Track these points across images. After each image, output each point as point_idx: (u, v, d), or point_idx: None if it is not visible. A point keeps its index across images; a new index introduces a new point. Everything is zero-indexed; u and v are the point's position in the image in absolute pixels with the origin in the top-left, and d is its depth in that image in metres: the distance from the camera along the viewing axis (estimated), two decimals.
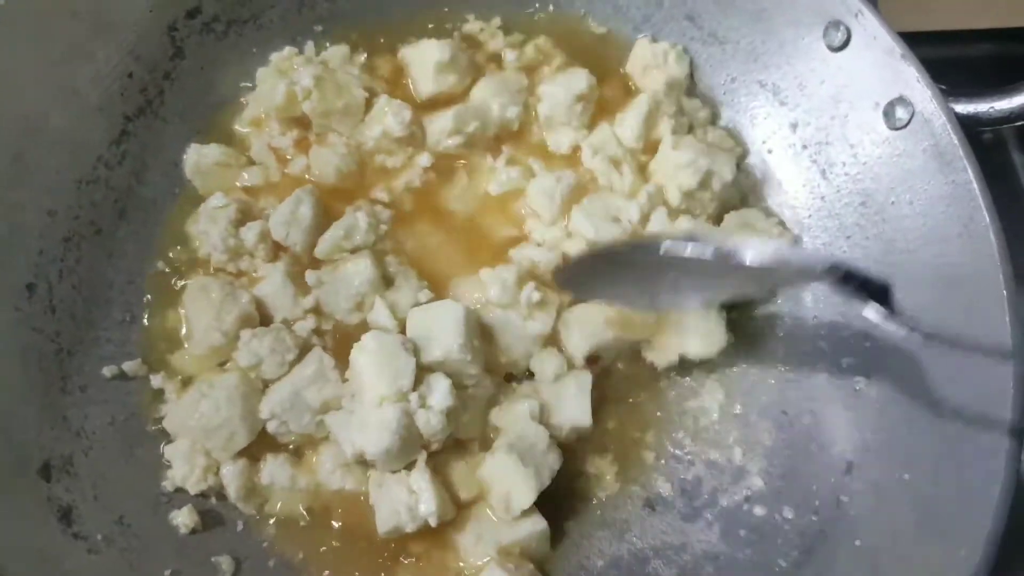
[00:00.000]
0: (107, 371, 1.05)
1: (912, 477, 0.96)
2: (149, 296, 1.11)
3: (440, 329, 1.02)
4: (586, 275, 1.06)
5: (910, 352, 1.02)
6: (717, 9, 1.20)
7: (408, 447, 0.97)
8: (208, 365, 1.07)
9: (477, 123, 1.18)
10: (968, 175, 0.98)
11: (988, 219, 0.96)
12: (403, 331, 1.04)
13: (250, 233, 1.08)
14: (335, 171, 1.15)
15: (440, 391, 0.99)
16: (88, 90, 1.09)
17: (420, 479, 0.98)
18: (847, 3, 1.07)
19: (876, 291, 0.84)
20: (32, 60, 1.04)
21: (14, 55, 1.02)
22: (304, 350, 1.06)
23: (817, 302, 1.14)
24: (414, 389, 0.98)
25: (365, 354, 1.00)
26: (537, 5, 1.29)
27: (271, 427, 1.02)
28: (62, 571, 0.91)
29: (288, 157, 1.17)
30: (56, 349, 1.03)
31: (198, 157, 1.14)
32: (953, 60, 1.18)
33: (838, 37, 1.09)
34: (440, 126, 1.19)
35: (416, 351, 1.00)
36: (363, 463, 1.01)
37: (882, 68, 1.05)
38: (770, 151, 1.21)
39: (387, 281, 1.10)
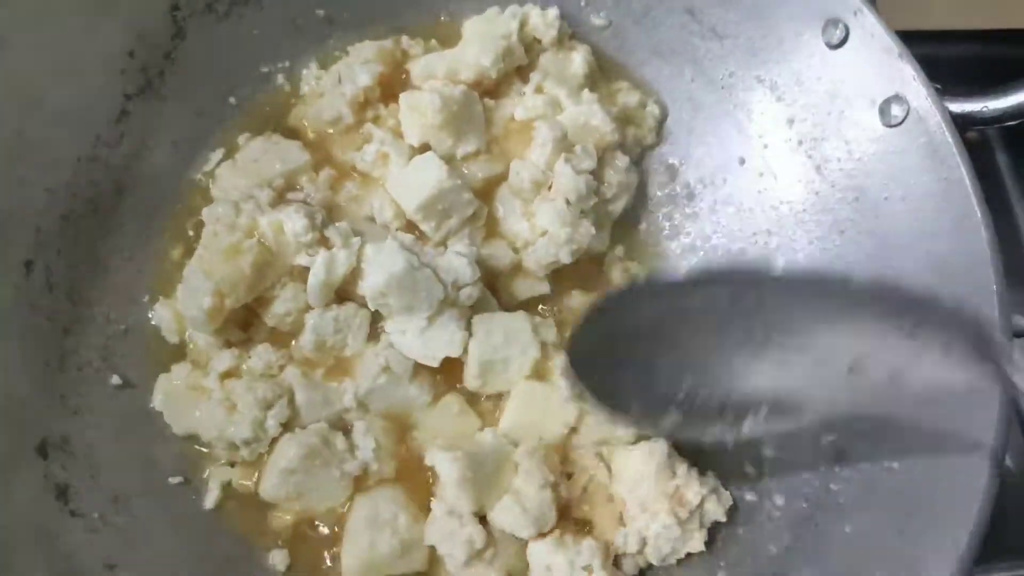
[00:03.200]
0: (102, 352, 1.06)
1: (901, 467, 0.98)
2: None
3: None
4: (598, 354, 0.87)
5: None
6: (717, 4, 1.21)
7: None
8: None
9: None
10: (961, 172, 1.00)
11: (980, 215, 0.98)
12: None
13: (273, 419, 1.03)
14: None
15: None
16: (89, 68, 1.08)
17: None
18: (846, 1, 1.08)
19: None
20: (34, 36, 1.02)
21: (15, 31, 1.01)
22: None
23: None
24: None
25: None
26: None
27: None
28: (61, 548, 0.91)
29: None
30: (53, 327, 1.02)
31: (167, 385, 1.06)
32: (946, 59, 1.20)
33: (836, 35, 1.11)
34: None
35: None
36: None
37: (879, 66, 1.07)
38: (766, 146, 1.22)
39: None
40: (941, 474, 0.94)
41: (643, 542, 1.03)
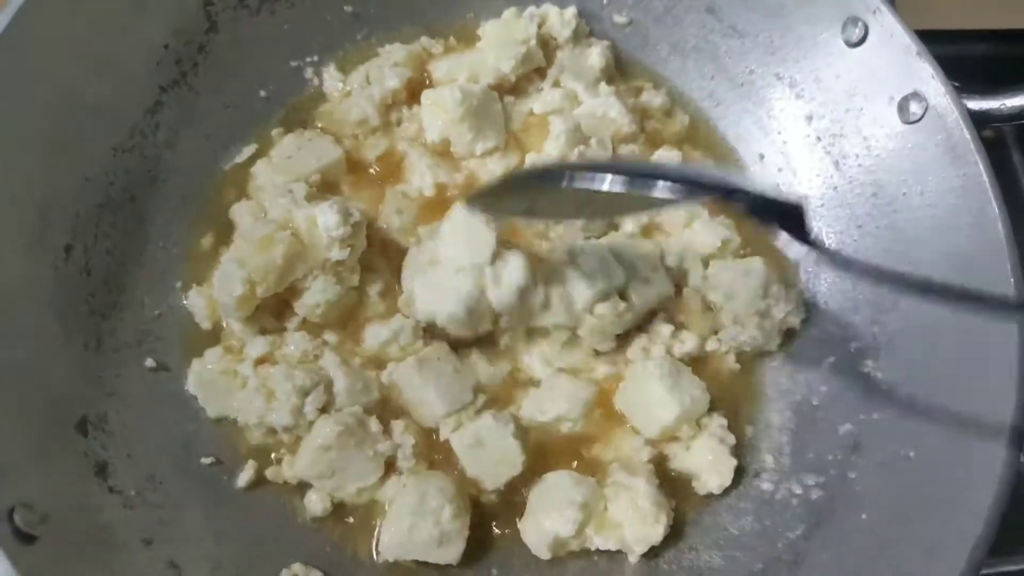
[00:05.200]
0: (138, 336, 1.08)
1: (917, 455, 1.00)
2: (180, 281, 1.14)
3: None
4: (495, 198, 1.03)
5: (917, 336, 1.07)
6: (738, 2, 1.23)
7: (477, 318, 1.06)
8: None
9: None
10: (979, 168, 1.02)
11: (997, 210, 1.00)
12: None
13: (311, 404, 1.05)
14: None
15: (515, 267, 1.04)
16: (125, 60, 1.11)
17: None
18: (865, 0, 1.11)
19: (789, 215, 0.85)
20: (72, 29, 1.05)
21: (55, 24, 1.03)
22: None
23: (831, 288, 1.18)
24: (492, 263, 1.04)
25: (450, 224, 1.07)
26: None
27: None
28: (100, 523, 0.93)
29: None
30: (90, 310, 1.05)
31: (201, 369, 1.09)
32: (964, 58, 1.22)
33: (856, 33, 1.13)
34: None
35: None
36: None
37: (898, 64, 1.09)
38: (785, 142, 1.25)
39: None
40: (957, 463, 0.96)
41: (731, 347, 1.15)
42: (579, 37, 1.29)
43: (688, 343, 1.13)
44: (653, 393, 1.08)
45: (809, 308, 1.18)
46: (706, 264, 1.17)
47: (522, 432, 1.08)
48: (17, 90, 1.00)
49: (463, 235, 1.06)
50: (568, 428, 1.10)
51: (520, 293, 1.05)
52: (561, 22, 1.27)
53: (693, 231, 1.19)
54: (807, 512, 1.06)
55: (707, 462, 1.08)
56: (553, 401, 1.09)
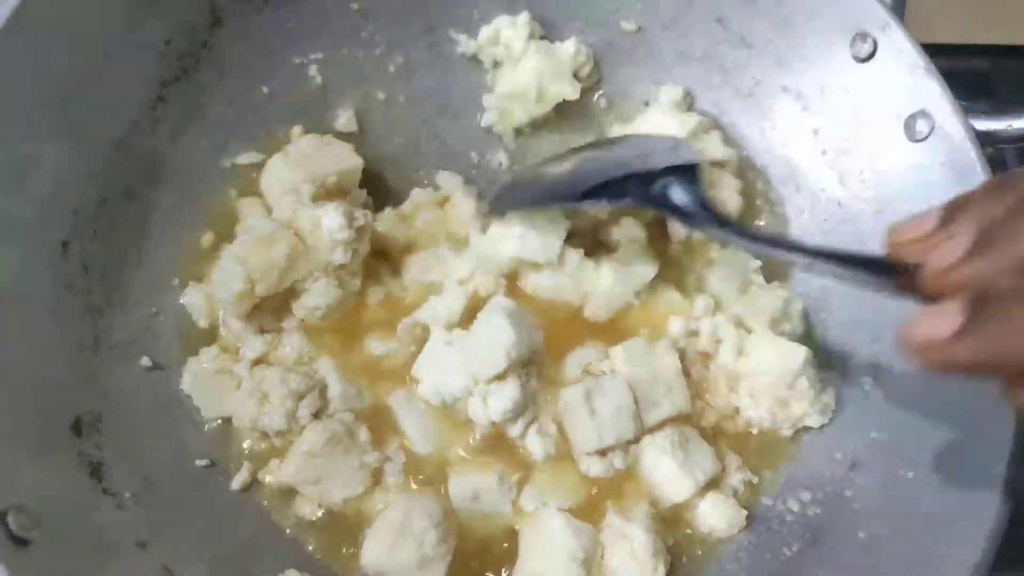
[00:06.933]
0: (134, 334, 1.07)
1: (916, 475, 1.00)
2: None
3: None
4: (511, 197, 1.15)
5: None
6: (746, 13, 1.22)
7: (452, 415, 1.07)
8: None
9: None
10: None
11: None
12: None
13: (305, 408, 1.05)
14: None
15: (505, 396, 1.01)
16: (127, 55, 1.09)
17: None
18: (875, 15, 1.10)
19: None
20: (73, 22, 1.03)
21: (55, 17, 1.02)
22: None
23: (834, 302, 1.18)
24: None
25: (481, 322, 1.04)
26: None
27: None
28: (93, 525, 0.92)
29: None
30: (87, 308, 1.03)
31: (196, 369, 1.08)
32: (971, 73, 1.21)
33: (864, 48, 1.12)
34: None
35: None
36: None
37: (906, 81, 1.09)
38: (790, 155, 1.24)
39: None
40: (957, 484, 0.96)
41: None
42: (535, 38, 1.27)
43: (707, 419, 1.13)
44: (663, 469, 1.05)
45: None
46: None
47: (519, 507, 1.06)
48: (16, 83, 0.98)
49: (484, 340, 1.01)
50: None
51: (493, 426, 1.04)
52: (514, 32, 1.25)
53: (749, 297, 1.16)
54: (803, 529, 1.06)
55: (716, 518, 1.06)
56: (556, 493, 1.05)
